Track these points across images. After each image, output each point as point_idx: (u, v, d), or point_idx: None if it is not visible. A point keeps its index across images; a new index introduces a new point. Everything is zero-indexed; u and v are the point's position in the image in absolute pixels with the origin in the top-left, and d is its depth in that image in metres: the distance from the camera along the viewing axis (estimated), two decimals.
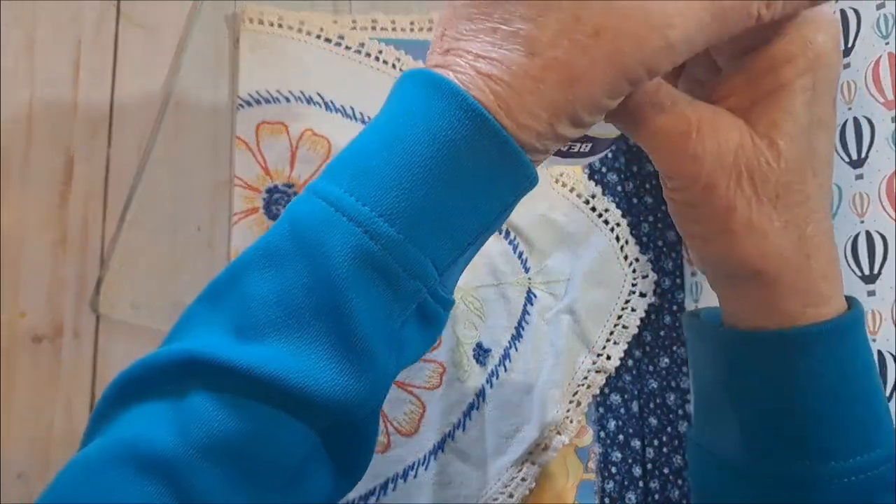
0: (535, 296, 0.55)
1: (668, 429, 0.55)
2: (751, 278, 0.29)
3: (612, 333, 0.55)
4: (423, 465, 0.52)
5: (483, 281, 0.54)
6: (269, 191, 0.53)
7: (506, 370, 0.54)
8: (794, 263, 0.28)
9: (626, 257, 0.56)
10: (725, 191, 0.28)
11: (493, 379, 0.54)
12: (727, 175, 0.27)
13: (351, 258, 0.24)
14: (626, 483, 0.54)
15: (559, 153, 0.35)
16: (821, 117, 0.28)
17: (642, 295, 0.56)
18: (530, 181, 0.27)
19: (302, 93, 0.55)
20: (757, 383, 0.30)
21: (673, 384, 0.56)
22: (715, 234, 0.29)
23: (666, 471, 0.54)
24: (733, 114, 0.28)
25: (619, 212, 0.56)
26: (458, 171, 0.25)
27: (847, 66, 0.46)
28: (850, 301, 0.30)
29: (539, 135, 0.26)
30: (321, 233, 0.25)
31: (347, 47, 0.56)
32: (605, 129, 0.32)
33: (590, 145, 0.35)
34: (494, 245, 0.55)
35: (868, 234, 0.44)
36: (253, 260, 0.26)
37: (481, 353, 0.54)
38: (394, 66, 0.56)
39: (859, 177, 0.45)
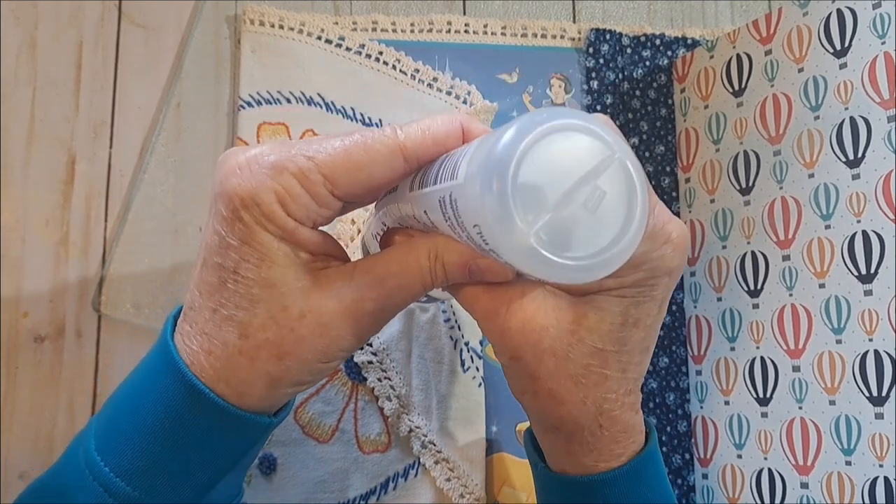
0: None
1: (668, 428, 0.56)
2: (552, 431, 0.33)
3: None
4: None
5: None
6: None
7: None
8: (588, 429, 0.32)
9: None
10: (530, 362, 0.30)
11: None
12: (532, 349, 0.30)
13: None
14: None
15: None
16: (639, 318, 0.31)
17: None
18: (260, 429, 0.31)
19: (303, 93, 0.55)
20: None
21: (672, 384, 0.56)
22: (523, 391, 0.32)
23: (665, 470, 0.55)
24: (566, 293, 0.31)
25: None
26: (184, 433, 0.29)
27: (844, 65, 0.47)
28: (646, 442, 0.34)
29: (261, 397, 0.30)
30: (75, 488, 0.30)
31: (348, 48, 0.56)
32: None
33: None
34: None
35: (865, 233, 0.45)
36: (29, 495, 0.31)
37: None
38: (394, 67, 0.56)
39: (856, 176, 0.45)
